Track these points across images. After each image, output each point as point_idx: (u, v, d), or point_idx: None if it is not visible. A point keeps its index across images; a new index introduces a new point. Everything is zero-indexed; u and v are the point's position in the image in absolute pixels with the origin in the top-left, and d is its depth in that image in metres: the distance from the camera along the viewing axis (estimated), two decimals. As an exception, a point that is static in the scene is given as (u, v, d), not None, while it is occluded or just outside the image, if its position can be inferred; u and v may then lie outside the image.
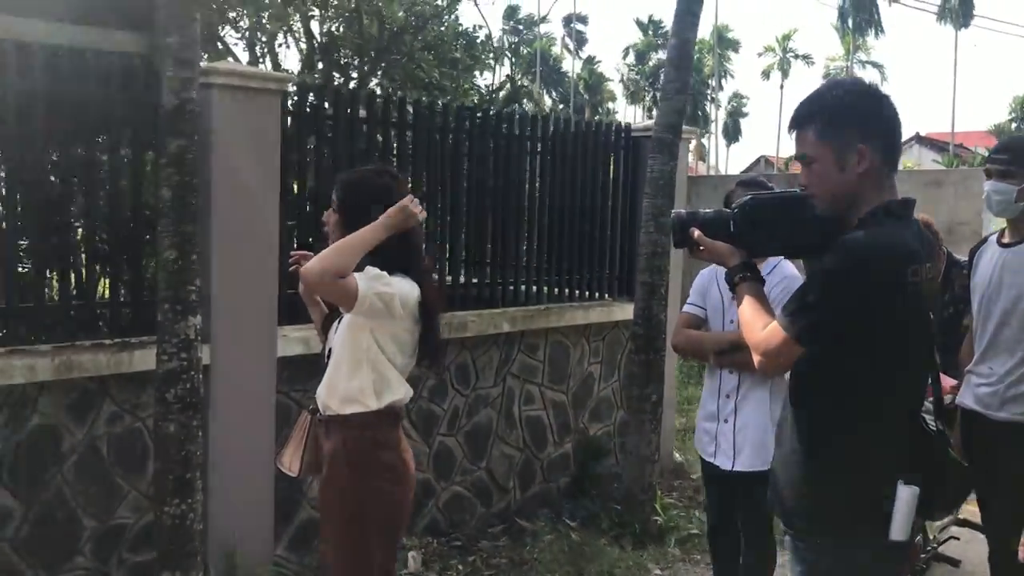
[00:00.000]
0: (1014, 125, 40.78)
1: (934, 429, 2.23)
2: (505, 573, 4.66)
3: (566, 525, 5.24)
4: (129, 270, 4.13)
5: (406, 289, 2.67)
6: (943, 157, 30.06)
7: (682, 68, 5.19)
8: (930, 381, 2.28)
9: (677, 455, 6.47)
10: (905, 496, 2.12)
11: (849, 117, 2.18)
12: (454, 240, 5.31)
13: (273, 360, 4.25)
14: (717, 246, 2.38)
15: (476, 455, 5.25)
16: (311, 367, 4.41)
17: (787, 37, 56.57)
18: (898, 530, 2.13)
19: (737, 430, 3.66)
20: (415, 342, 2.78)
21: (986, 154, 4.80)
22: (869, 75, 57.51)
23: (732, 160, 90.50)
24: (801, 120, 2.25)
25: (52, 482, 3.71)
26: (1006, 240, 3.34)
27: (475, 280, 5.44)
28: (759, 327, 2.22)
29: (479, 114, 5.48)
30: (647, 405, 5.15)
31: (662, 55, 56.72)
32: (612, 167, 6.10)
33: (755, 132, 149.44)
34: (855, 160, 2.16)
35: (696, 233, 2.40)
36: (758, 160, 49.07)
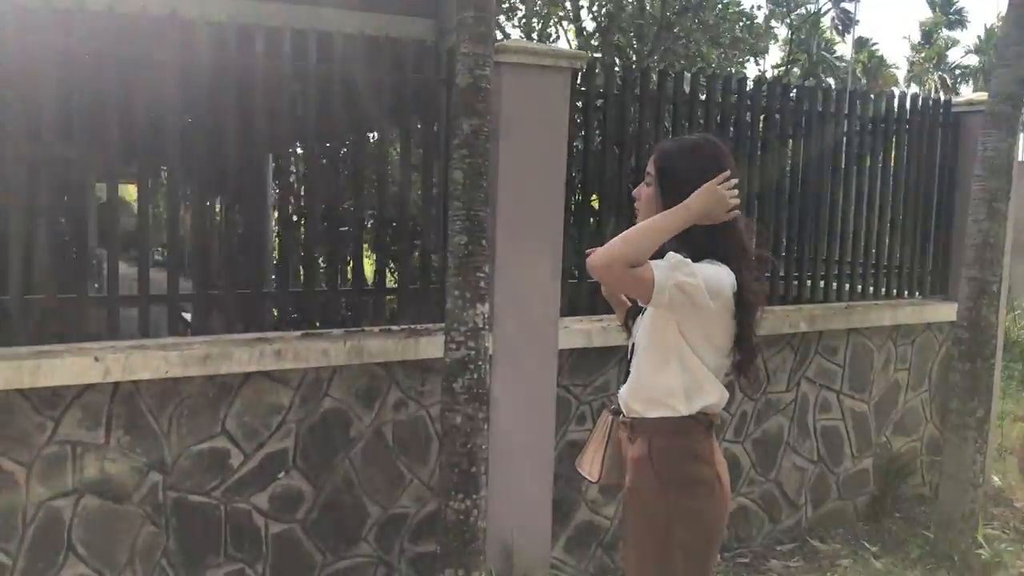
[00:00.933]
0: None
1: None
2: (800, 599, 4.20)
3: (866, 549, 4.67)
4: (418, 256, 4.08)
5: (717, 278, 2.29)
6: None
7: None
8: None
9: (996, 478, 5.64)
10: None
11: None
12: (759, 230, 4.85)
13: (554, 352, 4.04)
14: None
15: (765, 465, 4.79)
16: (592, 361, 4.19)
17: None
18: None
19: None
20: (731, 339, 2.41)
21: None
22: None
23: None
24: None
25: (341, 466, 3.71)
26: None
27: (768, 274, 4.96)
28: None
29: (780, 89, 4.98)
30: (971, 420, 4.45)
31: (950, 33, 52.11)
32: (927, 147, 5.38)
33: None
34: None
35: None
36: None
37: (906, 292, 5.40)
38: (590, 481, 2.61)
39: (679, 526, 2.36)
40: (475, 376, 3.28)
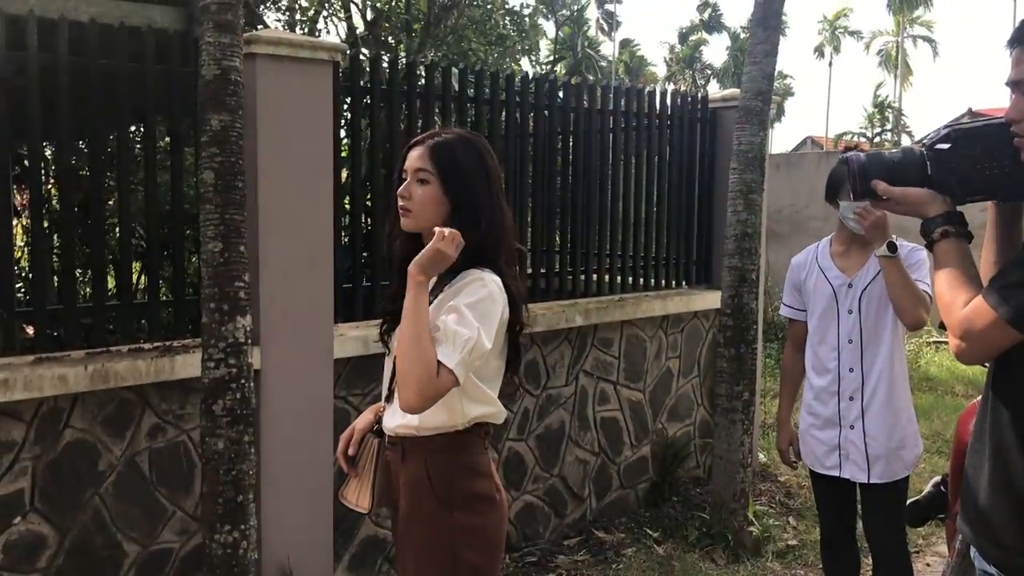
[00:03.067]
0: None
1: None
2: (589, 594, 4.21)
3: (648, 536, 4.78)
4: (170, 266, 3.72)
5: (491, 308, 2.14)
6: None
7: (770, 27, 4.66)
8: None
9: (762, 455, 5.97)
10: None
11: None
12: (521, 226, 4.83)
13: (330, 361, 3.82)
14: (910, 193, 1.88)
15: (549, 461, 4.79)
16: (371, 368, 4.00)
17: (838, 16, 55.01)
18: None
19: (869, 436, 3.16)
20: (503, 343, 2.30)
21: None
22: (920, 51, 55.94)
23: (776, 141, 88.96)
24: None
25: (90, 504, 3.31)
26: None
27: (543, 270, 4.96)
28: (960, 302, 1.74)
29: (548, 85, 4.98)
30: (738, 404, 4.65)
31: (703, 35, 55.74)
32: (688, 142, 5.58)
33: (801, 113, 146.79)
34: None
35: (881, 186, 1.91)
36: (804, 141, 47.97)
37: (674, 283, 5.59)
38: (360, 511, 2.40)
39: (464, 546, 2.22)
40: (238, 396, 3.01)
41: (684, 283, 5.65)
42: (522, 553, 4.56)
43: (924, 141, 1.91)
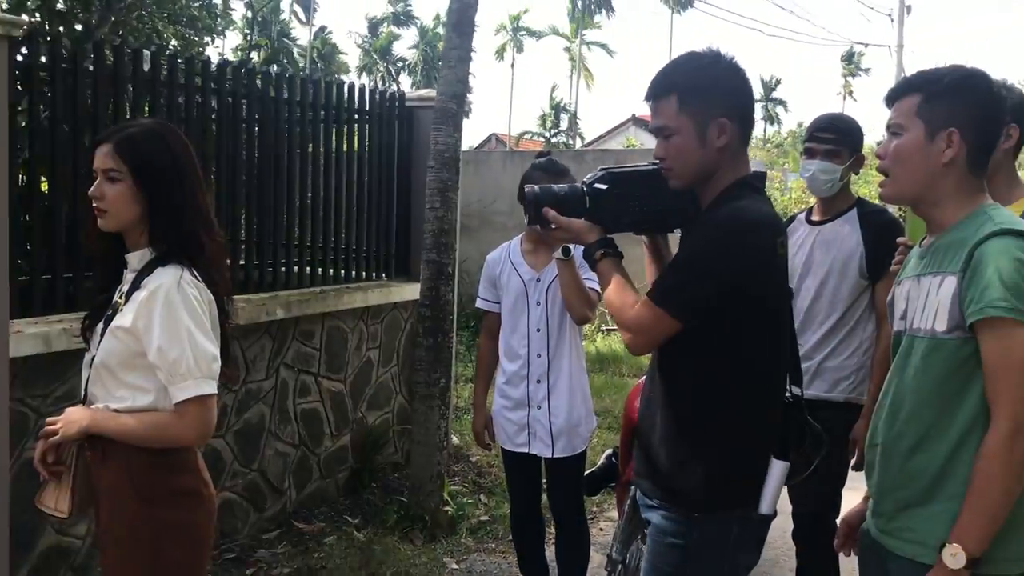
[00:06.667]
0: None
1: (789, 397, 2.23)
2: (292, 585, 4.23)
3: (349, 523, 4.88)
4: None
5: (195, 307, 2.16)
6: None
7: (463, 34, 4.93)
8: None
9: (455, 438, 6.28)
10: (777, 470, 2.14)
11: (711, 90, 2.11)
12: (225, 218, 4.71)
13: (5, 361, 3.52)
14: (573, 223, 2.26)
15: (248, 456, 4.73)
16: (52, 367, 3.74)
17: (517, 17, 57.80)
18: (768, 504, 2.14)
19: (553, 415, 3.49)
20: (218, 335, 2.30)
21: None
22: (596, 56, 60.40)
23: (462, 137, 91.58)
24: (660, 91, 2.14)
25: None
26: (816, 217, 3.39)
27: (243, 262, 4.88)
28: (629, 304, 2.13)
29: (246, 73, 4.90)
30: (435, 390, 4.88)
31: (394, 29, 56.34)
32: (387, 137, 5.73)
33: (485, 110, 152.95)
34: (716, 134, 2.10)
35: (551, 213, 2.26)
36: (489, 138, 50.04)
37: (374, 275, 5.72)
38: (59, 517, 2.29)
39: (168, 543, 2.21)
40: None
41: (384, 275, 5.80)
42: (220, 550, 4.47)
43: (586, 180, 2.30)
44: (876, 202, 3.83)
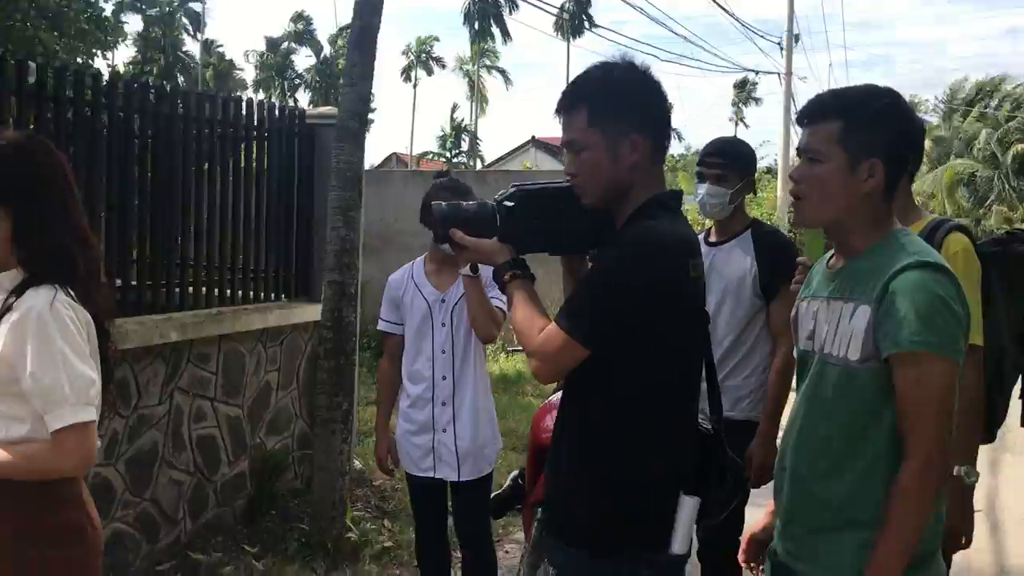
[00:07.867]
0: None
1: (709, 429, 2.13)
2: (186, 619, 4.06)
3: (247, 552, 4.72)
4: None
5: (71, 332, 2.04)
6: (558, 159, 32.62)
7: (365, 52, 4.88)
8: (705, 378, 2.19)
9: (358, 462, 6.16)
10: (688, 508, 2.03)
11: (623, 104, 2.03)
12: (108, 238, 4.52)
13: None
14: (482, 244, 2.14)
15: (140, 485, 4.53)
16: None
17: (424, 42, 57.73)
18: (680, 543, 2.03)
19: (459, 438, 3.46)
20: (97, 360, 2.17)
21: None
22: (494, 81, 60.81)
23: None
24: (571, 103, 2.06)
25: None
26: (713, 239, 3.46)
27: (134, 283, 4.69)
28: (536, 329, 2.01)
29: (139, 88, 4.74)
30: (337, 414, 4.79)
31: (294, 45, 55.55)
32: (287, 155, 5.62)
33: (386, 129, 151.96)
34: (628, 150, 2.02)
35: (458, 234, 2.14)
36: (390, 157, 49.87)
37: (273, 295, 5.58)
38: None
39: (51, 584, 2.07)
40: None
41: (284, 296, 5.67)
42: (110, 586, 4.27)
43: (496, 198, 2.19)
44: (770, 223, 3.94)
